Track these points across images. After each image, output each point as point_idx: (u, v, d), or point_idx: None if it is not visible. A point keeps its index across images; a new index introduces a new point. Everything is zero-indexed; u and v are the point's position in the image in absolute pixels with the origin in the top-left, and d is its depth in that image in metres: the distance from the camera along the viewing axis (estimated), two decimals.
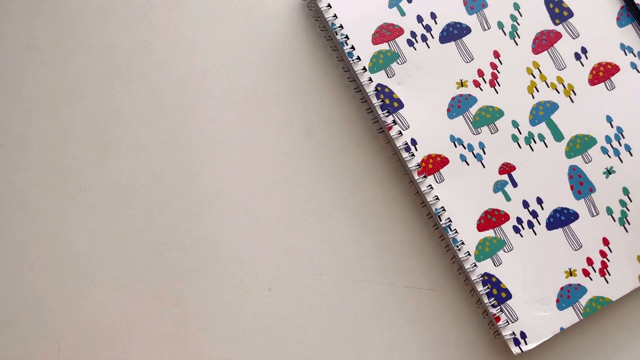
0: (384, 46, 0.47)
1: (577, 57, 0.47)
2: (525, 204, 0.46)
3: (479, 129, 0.47)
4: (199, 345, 0.47)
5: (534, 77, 0.47)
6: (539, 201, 0.47)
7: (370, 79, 0.47)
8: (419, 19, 0.47)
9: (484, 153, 0.47)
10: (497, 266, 0.46)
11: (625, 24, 0.47)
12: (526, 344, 0.46)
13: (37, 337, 0.47)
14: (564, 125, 0.47)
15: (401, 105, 0.47)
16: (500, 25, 0.47)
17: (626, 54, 0.47)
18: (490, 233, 0.46)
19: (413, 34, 0.47)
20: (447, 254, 0.48)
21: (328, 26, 0.47)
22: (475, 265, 0.46)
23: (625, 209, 0.46)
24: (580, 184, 0.47)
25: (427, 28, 0.47)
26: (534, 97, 0.47)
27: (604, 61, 0.47)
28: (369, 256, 0.48)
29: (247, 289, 0.47)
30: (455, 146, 0.47)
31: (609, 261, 0.46)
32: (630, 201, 0.46)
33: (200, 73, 0.48)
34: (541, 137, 0.47)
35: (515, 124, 0.47)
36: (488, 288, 0.46)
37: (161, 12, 0.48)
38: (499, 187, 0.47)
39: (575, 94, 0.47)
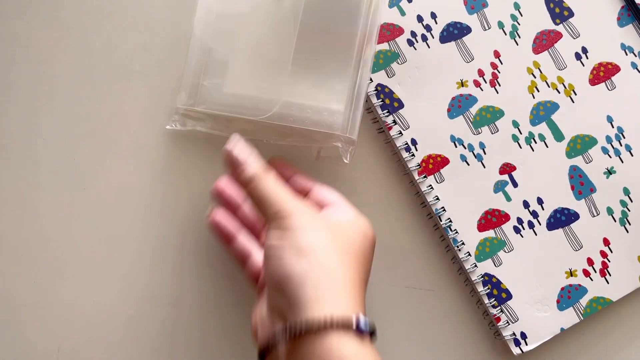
0: (384, 46, 0.47)
1: (578, 57, 0.47)
2: (526, 204, 0.46)
3: (479, 129, 0.47)
4: (198, 346, 0.47)
5: (535, 77, 0.47)
6: (540, 201, 0.46)
7: (371, 79, 0.46)
8: (419, 18, 0.47)
9: (485, 153, 0.47)
10: (497, 266, 0.46)
11: (626, 23, 0.47)
12: (526, 344, 0.46)
13: (37, 337, 0.47)
14: (565, 125, 0.47)
15: (401, 105, 0.47)
16: (501, 25, 0.47)
17: (627, 54, 0.47)
18: (490, 233, 0.46)
19: (413, 34, 0.47)
20: (447, 254, 0.48)
21: None
22: (476, 266, 0.46)
23: (625, 209, 0.46)
24: (581, 184, 0.46)
25: (428, 28, 0.47)
26: (534, 97, 0.47)
27: (604, 61, 0.47)
28: None
29: (246, 289, 0.47)
30: (456, 146, 0.47)
31: (609, 261, 0.46)
32: (631, 201, 0.46)
33: None
34: (542, 137, 0.47)
35: (515, 124, 0.47)
36: (488, 288, 0.46)
37: (161, 12, 0.48)
38: (499, 187, 0.47)
39: (575, 94, 0.47)
